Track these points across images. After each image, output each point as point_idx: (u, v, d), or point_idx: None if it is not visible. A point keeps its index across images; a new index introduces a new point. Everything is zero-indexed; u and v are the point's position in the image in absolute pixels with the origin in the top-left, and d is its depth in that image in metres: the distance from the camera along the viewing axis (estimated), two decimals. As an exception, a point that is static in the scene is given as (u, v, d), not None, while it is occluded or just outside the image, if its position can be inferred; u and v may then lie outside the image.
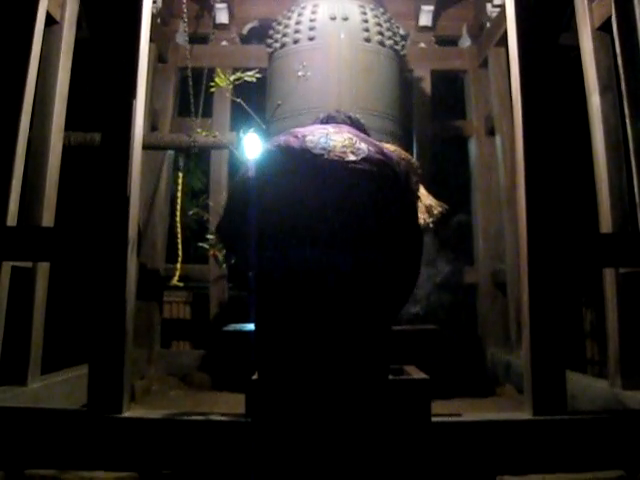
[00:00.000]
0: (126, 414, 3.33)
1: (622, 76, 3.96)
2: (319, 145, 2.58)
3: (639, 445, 3.20)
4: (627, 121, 3.95)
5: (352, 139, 2.64)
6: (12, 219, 3.75)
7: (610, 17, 4.05)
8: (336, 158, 2.54)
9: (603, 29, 4.23)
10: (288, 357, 2.46)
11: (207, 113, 6.41)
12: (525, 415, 3.38)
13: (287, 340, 2.46)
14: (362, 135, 2.74)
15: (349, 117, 2.88)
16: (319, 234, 2.44)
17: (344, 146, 2.59)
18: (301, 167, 2.54)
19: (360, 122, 2.92)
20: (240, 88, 3.74)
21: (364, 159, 2.57)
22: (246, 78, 3.67)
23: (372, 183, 2.54)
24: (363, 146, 2.63)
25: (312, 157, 2.55)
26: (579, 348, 6.07)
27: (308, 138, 2.62)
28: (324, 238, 2.43)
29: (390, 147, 4.30)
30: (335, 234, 2.44)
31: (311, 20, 4.64)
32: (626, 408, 3.81)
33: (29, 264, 4.01)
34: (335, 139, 2.63)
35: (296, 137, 2.64)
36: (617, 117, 4.17)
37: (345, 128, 2.74)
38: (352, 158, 2.56)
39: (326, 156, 2.55)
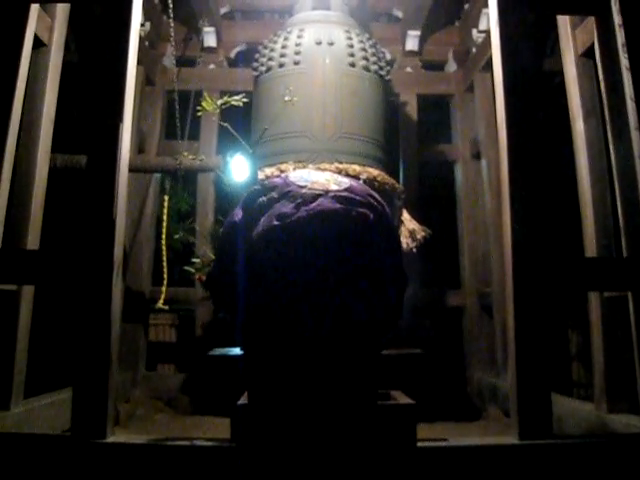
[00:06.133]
0: (110, 439, 3.28)
1: (605, 102, 4.00)
2: (302, 179, 2.63)
3: (625, 470, 3.19)
4: (610, 146, 3.99)
5: (334, 175, 2.70)
6: (-3, 241, 3.73)
7: (593, 43, 4.11)
8: (319, 187, 2.58)
9: (586, 55, 4.29)
10: (278, 385, 2.47)
11: (194, 136, 6.43)
12: (511, 439, 3.36)
13: (277, 369, 2.47)
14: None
15: None
16: (308, 266, 2.45)
17: (327, 179, 2.63)
18: (286, 197, 2.56)
19: None
20: (228, 110, 3.75)
21: (347, 189, 2.61)
22: (233, 102, 3.68)
23: (357, 209, 2.56)
24: (345, 179, 2.68)
25: (296, 188, 2.58)
26: (565, 371, 6.07)
27: (291, 175, 2.68)
28: (313, 270, 2.44)
29: (373, 172, 4.35)
30: (323, 265, 2.46)
31: (297, 44, 4.68)
32: (612, 431, 3.81)
33: (13, 287, 3.97)
34: (317, 174, 2.68)
35: (279, 177, 2.71)
36: (601, 142, 4.22)
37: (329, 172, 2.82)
38: (335, 188, 2.60)
39: (310, 186, 2.58)
